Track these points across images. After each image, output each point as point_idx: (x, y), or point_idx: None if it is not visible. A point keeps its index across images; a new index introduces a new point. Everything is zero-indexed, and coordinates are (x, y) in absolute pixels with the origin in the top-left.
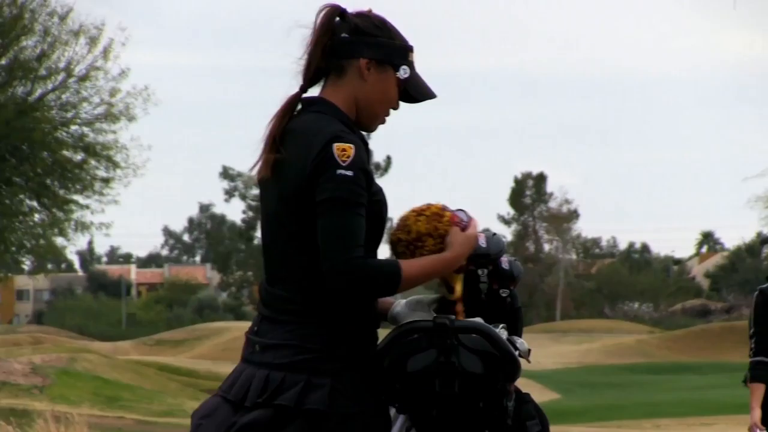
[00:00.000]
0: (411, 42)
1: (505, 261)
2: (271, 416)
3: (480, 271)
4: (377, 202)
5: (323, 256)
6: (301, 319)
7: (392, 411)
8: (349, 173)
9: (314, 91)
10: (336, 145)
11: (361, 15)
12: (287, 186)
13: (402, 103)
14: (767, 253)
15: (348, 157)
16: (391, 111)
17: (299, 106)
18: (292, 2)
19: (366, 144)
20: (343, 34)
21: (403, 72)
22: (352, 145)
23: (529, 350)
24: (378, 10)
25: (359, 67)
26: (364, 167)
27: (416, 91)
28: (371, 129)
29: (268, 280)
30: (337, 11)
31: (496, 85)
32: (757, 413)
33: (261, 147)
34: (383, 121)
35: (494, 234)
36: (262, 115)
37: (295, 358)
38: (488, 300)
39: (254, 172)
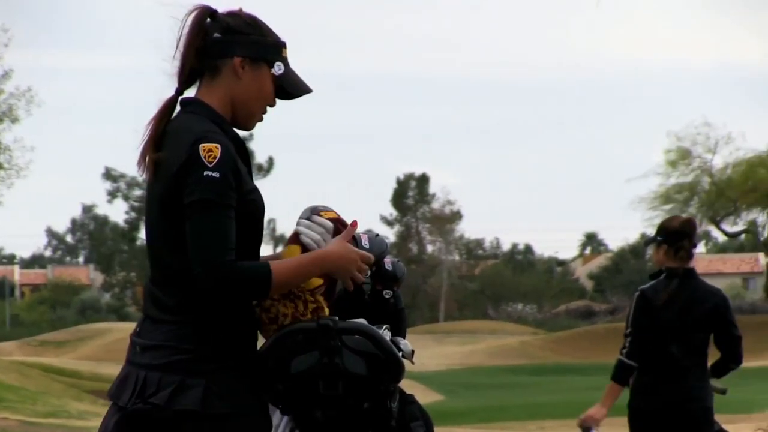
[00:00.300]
0: (286, 40)
1: (388, 262)
2: (146, 416)
3: None
4: (251, 201)
5: (193, 260)
6: (177, 318)
7: (277, 412)
8: (216, 174)
9: (191, 92)
10: (202, 146)
11: (232, 14)
12: (160, 187)
13: (283, 102)
14: (651, 254)
15: (215, 157)
16: (269, 108)
17: (178, 108)
18: (178, 4)
19: (243, 144)
20: (216, 34)
21: (278, 68)
22: (218, 145)
23: (413, 351)
24: (249, 9)
25: (233, 66)
26: (233, 167)
27: (292, 87)
28: (249, 127)
29: (151, 280)
30: (207, 12)
31: (379, 86)
32: (603, 411)
33: (141, 149)
34: (261, 119)
35: (377, 235)
36: (145, 116)
37: (170, 359)
38: (372, 301)
39: (139, 174)
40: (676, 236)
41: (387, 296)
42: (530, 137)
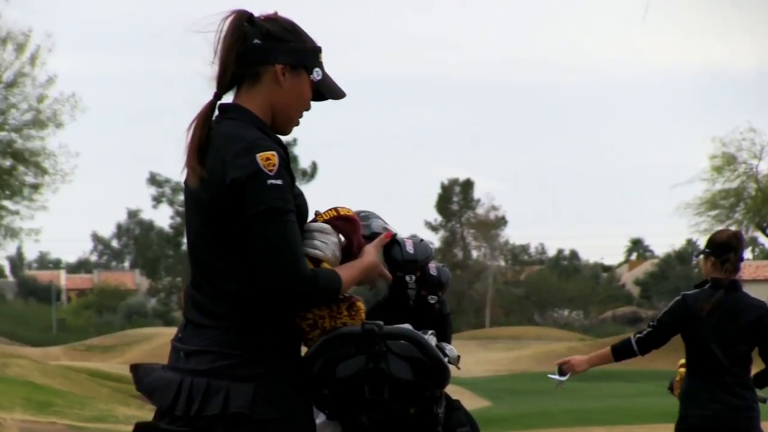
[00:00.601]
0: (324, 44)
1: (433, 267)
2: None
3: (408, 278)
4: (297, 206)
5: (270, 269)
6: (220, 324)
7: (322, 417)
8: (279, 182)
9: (227, 97)
10: (259, 155)
11: (269, 19)
12: (208, 195)
13: (329, 107)
14: (697, 261)
15: (273, 165)
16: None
17: (215, 113)
18: (215, 9)
19: (286, 149)
20: (256, 41)
21: (316, 74)
22: (274, 153)
23: (459, 357)
24: (284, 12)
25: (275, 72)
26: (289, 172)
27: (328, 92)
28: (287, 132)
29: (193, 285)
30: (245, 16)
31: (422, 91)
32: (584, 366)
33: (185, 156)
34: (298, 124)
35: (421, 240)
36: (188, 121)
37: (216, 364)
38: (417, 306)
39: (182, 179)
40: (723, 249)
41: (432, 301)
42: (576, 142)
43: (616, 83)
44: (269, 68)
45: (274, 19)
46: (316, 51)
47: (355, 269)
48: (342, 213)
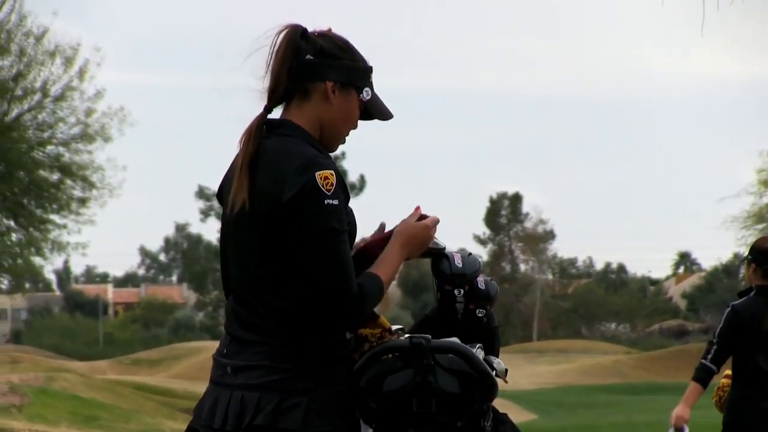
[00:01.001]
0: (374, 62)
1: (481, 281)
2: None
3: (456, 291)
4: (348, 224)
5: (322, 288)
6: (272, 339)
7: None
8: (336, 202)
9: (275, 112)
10: (318, 174)
11: (323, 35)
12: (260, 211)
13: (376, 120)
14: (745, 274)
15: (331, 185)
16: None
17: (263, 128)
18: (262, 23)
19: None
20: (308, 56)
21: (366, 94)
22: (333, 172)
23: (506, 370)
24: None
25: (325, 89)
26: (345, 191)
27: (377, 113)
28: (333, 149)
29: (237, 300)
30: (299, 31)
31: (472, 105)
32: (688, 410)
33: (238, 171)
34: (344, 141)
35: (470, 254)
36: (237, 134)
37: (268, 379)
38: (465, 320)
39: (231, 196)
40: (763, 256)
41: (480, 315)
42: (623, 156)
43: (663, 97)
44: (320, 85)
45: (327, 36)
46: (368, 70)
47: (389, 258)
48: (374, 242)
